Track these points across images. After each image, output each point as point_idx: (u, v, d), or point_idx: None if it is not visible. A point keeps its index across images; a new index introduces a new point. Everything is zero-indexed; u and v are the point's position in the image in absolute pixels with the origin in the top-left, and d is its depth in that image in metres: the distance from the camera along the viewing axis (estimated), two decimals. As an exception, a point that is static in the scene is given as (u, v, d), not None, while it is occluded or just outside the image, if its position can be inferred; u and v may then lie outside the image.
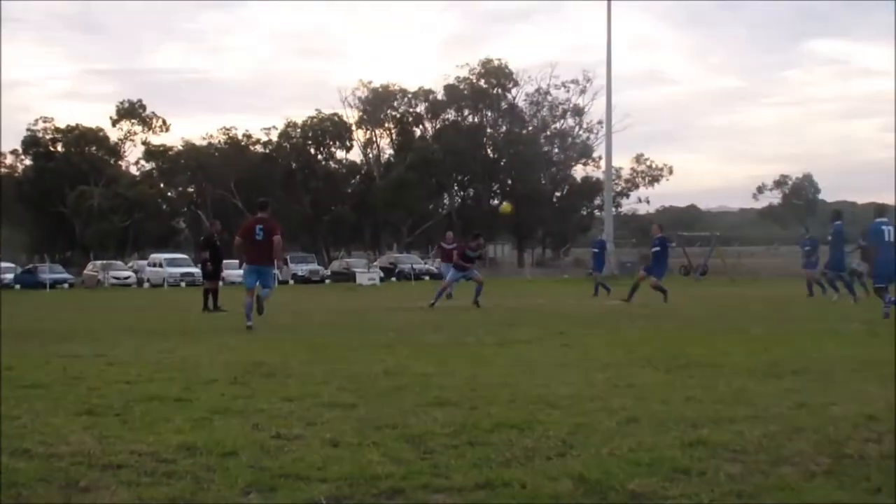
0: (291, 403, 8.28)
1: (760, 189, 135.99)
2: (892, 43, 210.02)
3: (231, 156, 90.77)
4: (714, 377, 9.79)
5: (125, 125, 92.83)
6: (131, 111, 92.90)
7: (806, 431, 6.81)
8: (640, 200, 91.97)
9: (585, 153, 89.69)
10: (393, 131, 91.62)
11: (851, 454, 6.13)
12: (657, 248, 26.08)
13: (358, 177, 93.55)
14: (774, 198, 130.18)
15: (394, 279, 62.43)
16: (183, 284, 58.29)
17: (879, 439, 6.55)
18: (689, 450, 6.27)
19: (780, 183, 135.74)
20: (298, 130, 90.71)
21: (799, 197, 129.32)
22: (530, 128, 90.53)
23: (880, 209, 20.18)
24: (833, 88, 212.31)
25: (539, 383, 9.48)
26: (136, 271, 67.67)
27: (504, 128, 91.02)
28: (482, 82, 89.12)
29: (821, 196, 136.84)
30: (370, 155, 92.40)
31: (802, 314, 18.59)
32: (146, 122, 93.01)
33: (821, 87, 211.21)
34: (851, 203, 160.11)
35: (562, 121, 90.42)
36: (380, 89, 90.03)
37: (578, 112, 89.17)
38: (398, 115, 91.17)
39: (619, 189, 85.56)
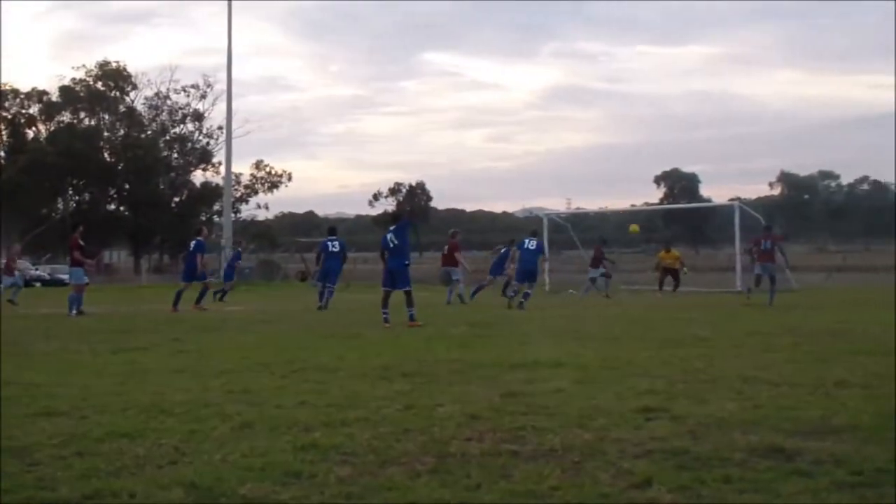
0: None
1: (376, 196, 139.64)
2: (500, 59, 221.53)
3: None
4: (328, 381, 9.93)
5: None
6: None
7: (413, 432, 7.02)
8: (259, 206, 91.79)
9: (205, 158, 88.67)
10: (4, 133, 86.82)
11: (454, 453, 6.37)
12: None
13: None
14: (389, 205, 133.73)
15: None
16: None
17: (481, 438, 6.84)
18: (301, 453, 6.31)
19: (394, 190, 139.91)
20: None
21: (412, 204, 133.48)
22: (149, 132, 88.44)
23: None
24: (446, 99, 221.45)
25: (153, 391, 9.27)
26: None
27: (122, 131, 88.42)
28: (99, 84, 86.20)
29: (432, 203, 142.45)
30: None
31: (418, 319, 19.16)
32: None
33: (434, 97, 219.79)
34: (460, 210, 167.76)
35: (181, 125, 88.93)
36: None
37: (198, 117, 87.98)
38: (10, 117, 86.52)
39: (238, 195, 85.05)
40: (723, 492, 5.40)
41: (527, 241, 26.14)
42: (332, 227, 27.90)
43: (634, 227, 35.15)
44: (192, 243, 27.15)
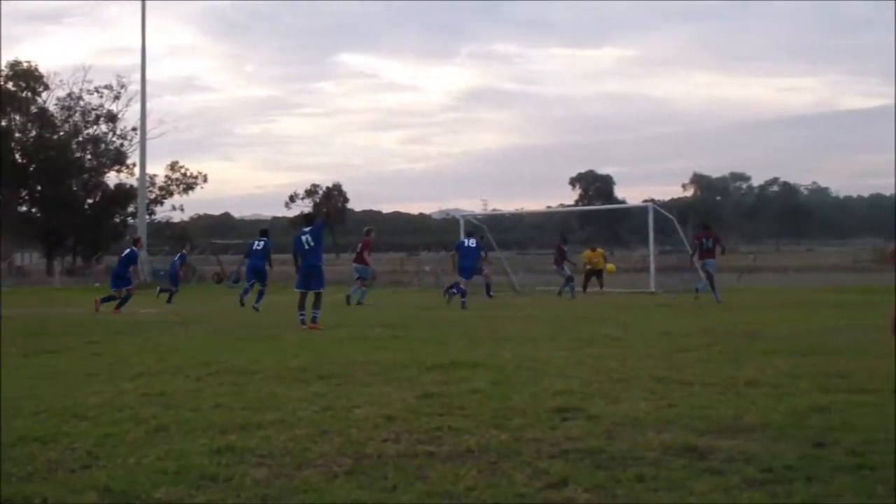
0: None
1: (293, 197, 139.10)
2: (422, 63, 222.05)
3: None
4: (244, 384, 9.86)
5: None
6: None
7: (330, 434, 7.00)
8: (174, 208, 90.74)
9: (119, 160, 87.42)
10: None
11: (371, 454, 6.36)
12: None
13: None
14: (306, 206, 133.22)
15: None
16: None
17: (397, 439, 6.85)
18: (217, 456, 6.26)
19: (311, 192, 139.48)
20: None
21: (328, 205, 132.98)
22: (62, 133, 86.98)
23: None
24: (362, 101, 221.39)
25: (66, 394, 9.15)
26: None
27: (34, 132, 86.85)
28: (10, 85, 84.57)
29: (349, 205, 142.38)
30: None
31: (334, 320, 19.12)
32: None
33: (351, 98, 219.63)
34: (377, 212, 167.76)
35: (95, 126, 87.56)
36: None
37: (112, 118, 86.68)
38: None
39: (153, 196, 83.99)
40: (637, 491, 5.46)
41: (466, 240, 28.11)
42: (265, 228, 28.62)
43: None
44: (126, 251, 27.46)
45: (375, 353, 12.94)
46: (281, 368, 11.15)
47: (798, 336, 14.68)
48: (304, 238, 18.99)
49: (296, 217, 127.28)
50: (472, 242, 27.62)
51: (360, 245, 29.95)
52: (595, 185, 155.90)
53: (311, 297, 18.65)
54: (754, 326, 16.89)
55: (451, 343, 14.29)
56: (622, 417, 7.53)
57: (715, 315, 20.43)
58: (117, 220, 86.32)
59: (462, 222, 41.06)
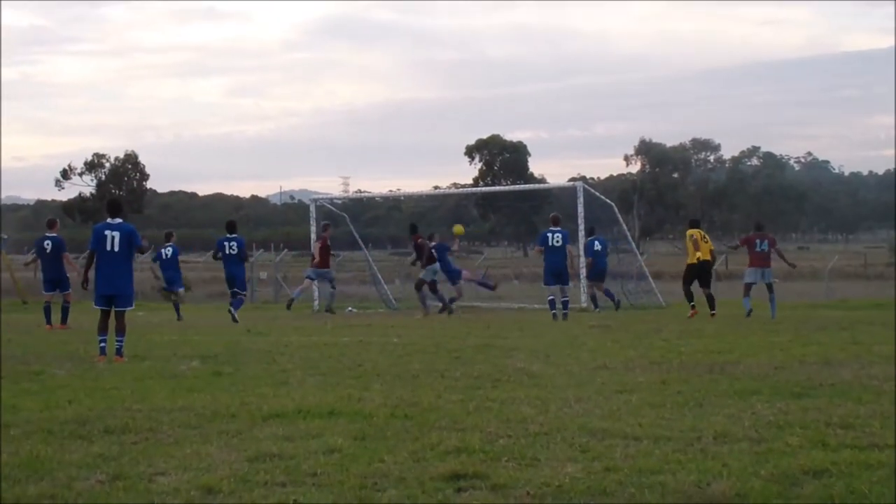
0: None
1: (66, 173, 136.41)
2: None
3: None
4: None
5: None
6: None
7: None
8: None
9: None
10: None
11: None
12: None
13: None
14: (85, 185, 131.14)
15: None
16: None
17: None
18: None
19: (93, 165, 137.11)
20: None
21: (119, 184, 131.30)
22: None
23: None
24: (168, 33, 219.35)
25: None
26: None
27: None
28: None
29: (149, 184, 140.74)
30: None
31: (129, 349, 18.82)
32: None
33: (151, 30, 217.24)
34: (190, 194, 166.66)
35: None
36: None
37: None
38: None
39: None
40: None
41: (551, 234, 29.73)
42: (232, 221, 30.58)
43: (459, 228, 36.63)
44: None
45: (189, 396, 12.82)
46: (49, 419, 10.98)
47: (786, 371, 14.89)
48: (108, 234, 18.34)
49: (73, 200, 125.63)
50: (557, 238, 29.37)
51: (318, 245, 34.04)
52: (502, 157, 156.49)
53: (113, 318, 18.32)
54: (725, 357, 17.03)
55: (297, 382, 14.23)
56: (541, 486, 7.58)
57: (670, 342, 20.49)
58: None
59: (313, 209, 40.87)
